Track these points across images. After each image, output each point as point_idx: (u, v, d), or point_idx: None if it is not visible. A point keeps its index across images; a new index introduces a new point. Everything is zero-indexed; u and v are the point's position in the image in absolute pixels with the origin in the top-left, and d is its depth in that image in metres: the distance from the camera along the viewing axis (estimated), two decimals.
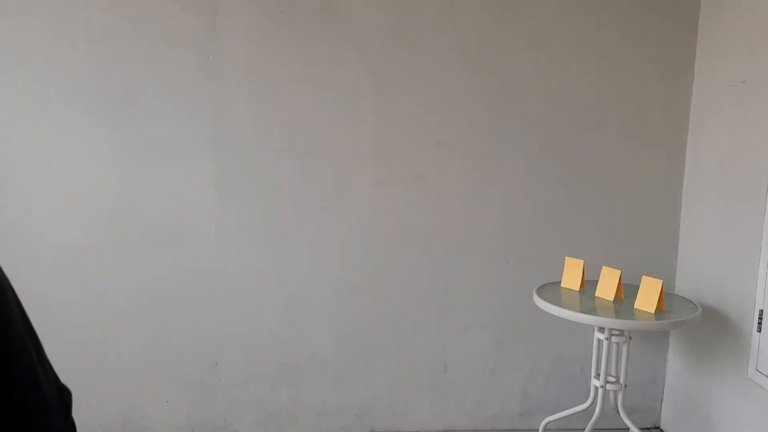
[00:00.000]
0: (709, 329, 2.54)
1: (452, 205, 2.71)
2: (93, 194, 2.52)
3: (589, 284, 2.54)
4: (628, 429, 2.42)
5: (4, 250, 2.50)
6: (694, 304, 2.43)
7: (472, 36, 2.63)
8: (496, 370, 2.84)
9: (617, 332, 2.37)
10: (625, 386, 2.43)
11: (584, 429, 2.45)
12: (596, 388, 2.46)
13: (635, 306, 2.31)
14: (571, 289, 2.53)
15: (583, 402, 2.54)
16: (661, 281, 2.27)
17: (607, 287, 2.42)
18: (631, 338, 2.42)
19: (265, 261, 2.65)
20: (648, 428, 2.88)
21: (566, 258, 2.58)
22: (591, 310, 2.26)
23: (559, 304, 2.31)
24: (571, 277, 2.55)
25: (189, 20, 2.12)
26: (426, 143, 2.67)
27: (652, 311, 2.25)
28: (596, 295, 2.44)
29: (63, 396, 0.79)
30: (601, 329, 2.40)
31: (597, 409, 2.43)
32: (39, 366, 0.71)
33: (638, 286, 2.35)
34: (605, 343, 2.38)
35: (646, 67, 2.70)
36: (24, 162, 2.47)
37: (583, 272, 2.52)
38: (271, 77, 2.55)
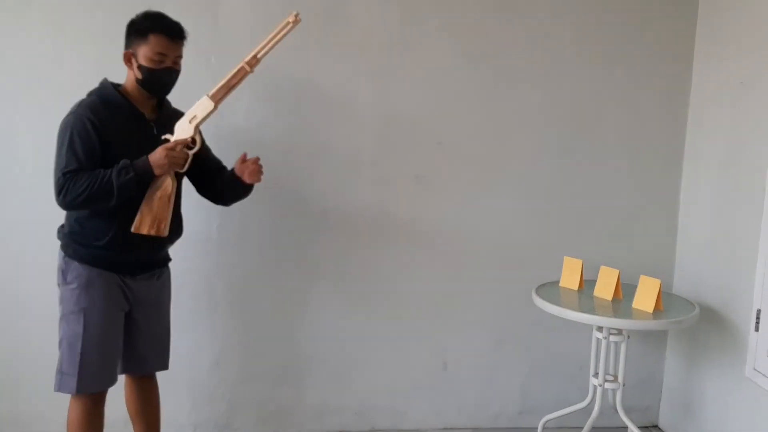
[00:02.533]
0: (706, 328, 2.55)
1: (452, 205, 2.72)
2: None
3: (587, 284, 2.55)
4: (627, 427, 2.44)
5: (5, 249, 2.51)
6: (691, 303, 2.44)
7: (471, 36, 2.63)
8: (495, 370, 2.85)
9: (615, 331, 2.38)
10: (624, 385, 2.44)
11: (583, 427, 2.46)
12: (595, 386, 2.47)
13: (633, 305, 2.32)
14: (569, 289, 2.54)
15: (582, 401, 2.55)
16: (659, 281, 2.28)
17: (605, 287, 2.43)
18: (629, 337, 2.43)
19: (265, 261, 2.66)
20: (646, 427, 2.89)
21: (565, 258, 2.59)
22: (590, 310, 2.28)
23: (558, 304, 2.32)
24: (570, 277, 2.56)
25: (190, 21, 2.13)
26: (426, 143, 2.68)
27: (650, 311, 2.26)
28: (595, 294, 2.45)
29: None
30: (600, 328, 2.41)
31: (596, 408, 2.44)
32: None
33: (636, 286, 2.36)
34: (604, 342, 2.39)
35: (645, 67, 2.71)
36: (25, 162, 2.48)
37: (581, 272, 2.53)
38: (271, 77, 2.55)
